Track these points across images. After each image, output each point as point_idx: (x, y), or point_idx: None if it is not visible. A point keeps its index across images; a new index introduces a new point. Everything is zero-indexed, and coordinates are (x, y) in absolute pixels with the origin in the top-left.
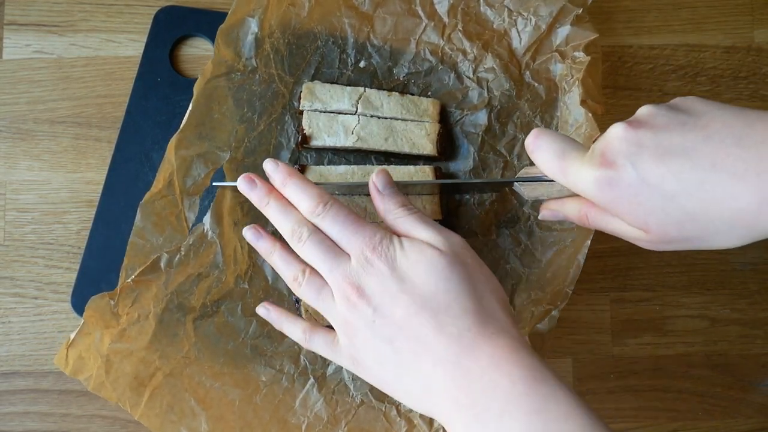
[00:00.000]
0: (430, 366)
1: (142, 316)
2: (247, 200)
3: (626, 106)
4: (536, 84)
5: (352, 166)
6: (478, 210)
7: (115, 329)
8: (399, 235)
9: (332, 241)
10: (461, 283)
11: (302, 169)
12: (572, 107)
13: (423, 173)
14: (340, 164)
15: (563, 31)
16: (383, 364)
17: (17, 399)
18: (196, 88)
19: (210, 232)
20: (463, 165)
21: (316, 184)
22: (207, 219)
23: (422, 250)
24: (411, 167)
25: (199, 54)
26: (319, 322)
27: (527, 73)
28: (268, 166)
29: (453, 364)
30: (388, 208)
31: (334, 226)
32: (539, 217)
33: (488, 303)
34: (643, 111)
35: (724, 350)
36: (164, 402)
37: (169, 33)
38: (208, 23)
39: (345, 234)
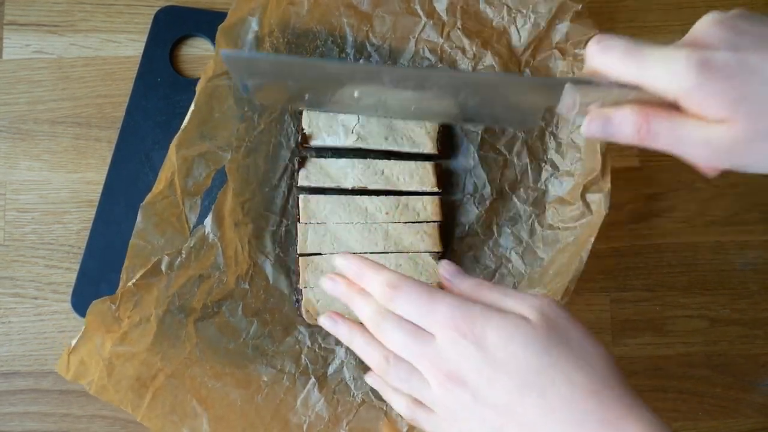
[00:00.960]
0: None
1: (144, 319)
2: (247, 201)
3: None
4: None
5: (352, 160)
6: (479, 208)
7: (116, 333)
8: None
9: (414, 324)
10: (561, 354)
11: (303, 161)
12: None
13: (423, 169)
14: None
15: (563, 27)
16: None
17: (17, 399)
18: (198, 88)
19: (211, 234)
20: (463, 163)
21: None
22: (208, 221)
23: (508, 322)
24: (412, 163)
25: (199, 54)
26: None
27: (527, 70)
28: (340, 260)
29: None
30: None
31: (409, 306)
32: (583, 130)
33: (600, 374)
34: (736, 10)
35: (724, 350)
36: (166, 403)
37: (169, 33)
38: (208, 23)
39: (422, 313)
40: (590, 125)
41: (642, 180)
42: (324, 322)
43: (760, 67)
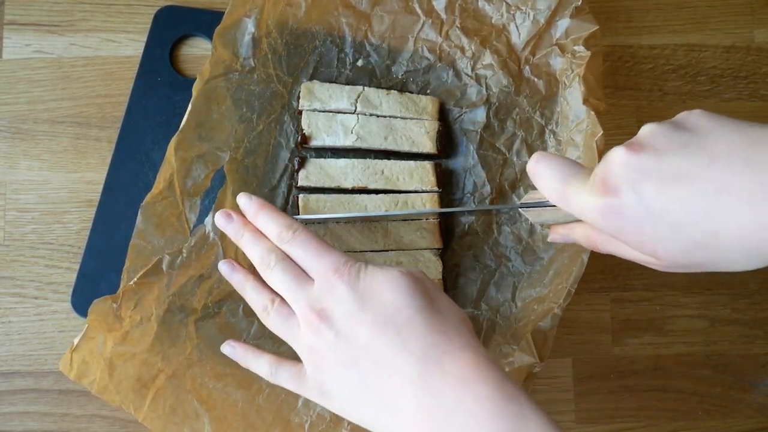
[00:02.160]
0: (397, 387)
1: (144, 319)
2: None
3: (626, 106)
4: (536, 79)
5: (352, 160)
6: (478, 207)
7: (118, 332)
8: None
9: (300, 269)
10: (424, 299)
11: (302, 161)
12: (572, 103)
13: (423, 168)
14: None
15: (563, 24)
16: (350, 391)
17: (17, 399)
18: (195, 89)
19: (212, 234)
20: (462, 162)
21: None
22: (209, 220)
23: (385, 271)
24: (411, 162)
25: (199, 54)
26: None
27: (527, 68)
28: (242, 199)
29: (420, 384)
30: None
31: (300, 250)
32: (548, 240)
33: (451, 319)
34: (645, 131)
35: (724, 350)
36: (167, 404)
37: (169, 33)
38: (208, 23)
39: (310, 258)
40: (553, 238)
41: None
42: (222, 267)
43: (663, 211)
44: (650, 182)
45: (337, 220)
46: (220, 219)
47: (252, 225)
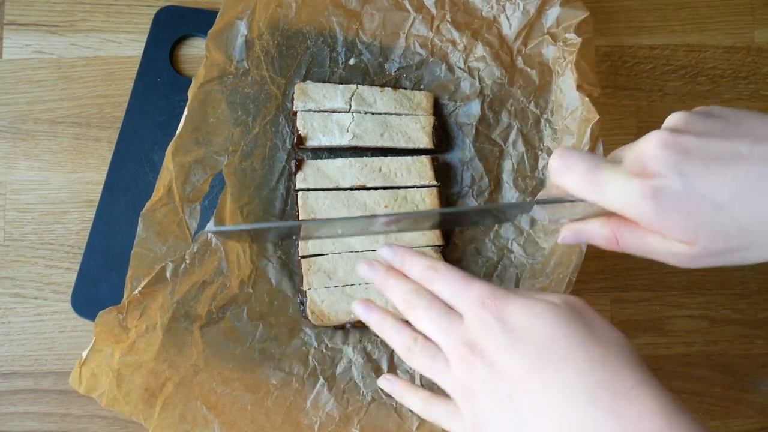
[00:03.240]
0: (555, 427)
1: (150, 327)
2: (246, 205)
3: (626, 106)
4: (529, 69)
5: (349, 159)
6: (478, 200)
7: (124, 343)
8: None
9: (446, 305)
10: (580, 329)
11: (299, 164)
12: (566, 90)
13: (420, 163)
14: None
15: (553, 12)
16: (505, 427)
17: (17, 399)
18: (190, 93)
19: (214, 239)
20: (459, 156)
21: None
22: (210, 225)
23: (536, 302)
24: (408, 158)
25: (199, 54)
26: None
27: (519, 58)
28: (385, 251)
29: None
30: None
31: (445, 285)
32: (559, 241)
33: (615, 349)
34: (677, 118)
35: (724, 350)
36: (176, 412)
37: (169, 33)
38: (208, 23)
39: (456, 291)
40: (565, 238)
41: None
42: (358, 308)
43: (709, 192)
44: (695, 163)
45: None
46: (364, 269)
47: (395, 271)
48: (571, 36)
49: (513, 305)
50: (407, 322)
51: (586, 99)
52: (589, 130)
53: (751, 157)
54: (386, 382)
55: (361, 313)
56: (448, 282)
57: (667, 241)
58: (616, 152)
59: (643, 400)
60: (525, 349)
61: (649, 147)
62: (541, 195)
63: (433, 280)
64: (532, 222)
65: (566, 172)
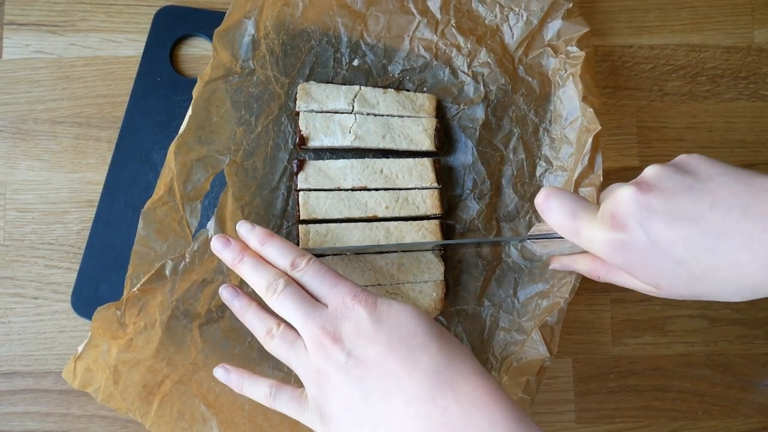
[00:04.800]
0: (402, 405)
1: (149, 325)
2: (246, 204)
3: (626, 105)
4: (530, 78)
5: (350, 160)
6: (479, 203)
7: (122, 339)
8: None
9: (310, 295)
10: (437, 329)
11: (301, 164)
12: (566, 101)
13: (422, 165)
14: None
15: (554, 25)
16: (351, 410)
17: (17, 399)
18: (195, 92)
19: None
20: (462, 159)
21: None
22: (211, 224)
23: (401, 303)
24: (410, 160)
25: (199, 54)
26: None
27: (521, 67)
28: (243, 228)
29: (428, 403)
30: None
31: (315, 279)
32: (550, 267)
33: (460, 349)
34: (651, 172)
35: (724, 350)
36: (174, 409)
37: (169, 33)
38: (208, 23)
39: (326, 285)
40: (555, 266)
41: None
42: (223, 293)
43: (670, 248)
44: (658, 220)
45: (345, 251)
46: (216, 243)
47: (252, 251)
48: (574, 49)
49: (380, 300)
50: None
51: (590, 110)
52: (590, 140)
53: (706, 220)
54: (223, 372)
55: (225, 297)
56: (319, 276)
57: (638, 281)
58: (605, 190)
59: (480, 381)
60: (385, 336)
61: (620, 201)
62: (534, 229)
63: (305, 271)
64: (529, 226)
65: (549, 213)
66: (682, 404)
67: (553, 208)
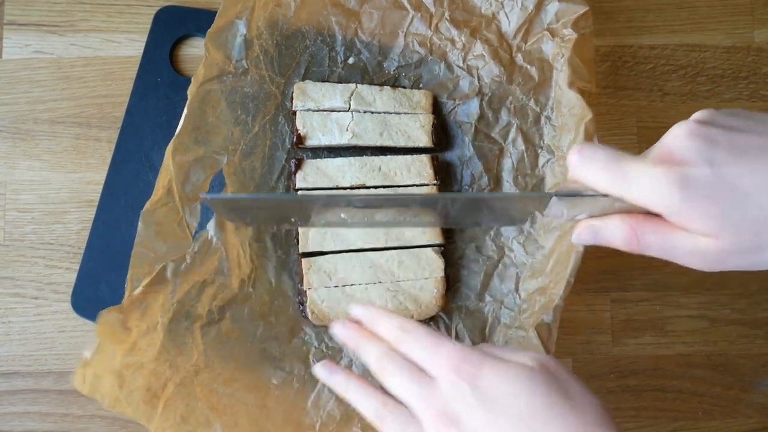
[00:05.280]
0: None
1: (151, 328)
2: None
3: (626, 105)
4: (528, 66)
5: (348, 158)
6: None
7: (126, 343)
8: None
9: (418, 369)
10: (558, 395)
11: (299, 163)
12: (564, 87)
13: (420, 162)
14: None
15: (552, 8)
16: None
17: (17, 399)
18: (190, 93)
19: (214, 238)
20: (459, 154)
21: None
22: (211, 225)
23: (510, 367)
24: (408, 157)
25: (199, 54)
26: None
27: (519, 55)
28: (357, 309)
29: None
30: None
31: (417, 347)
32: (573, 239)
33: (590, 412)
34: (703, 112)
35: (724, 350)
36: (178, 412)
37: (169, 33)
38: (208, 23)
39: (428, 354)
40: (580, 236)
41: None
42: (319, 370)
43: (737, 181)
44: (723, 153)
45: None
46: (337, 328)
47: (366, 330)
48: (568, 31)
49: (487, 370)
50: (373, 383)
51: (579, 96)
52: (582, 128)
53: None
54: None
55: (322, 376)
56: (420, 342)
57: (692, 236)
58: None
59: None
60: (502, 421)
61: (677, 136)
62: (561, 188)
63: (404, 341)
64: (532, 220)
65: (587, 164)
66: (682, 404)
67: (592, 157)
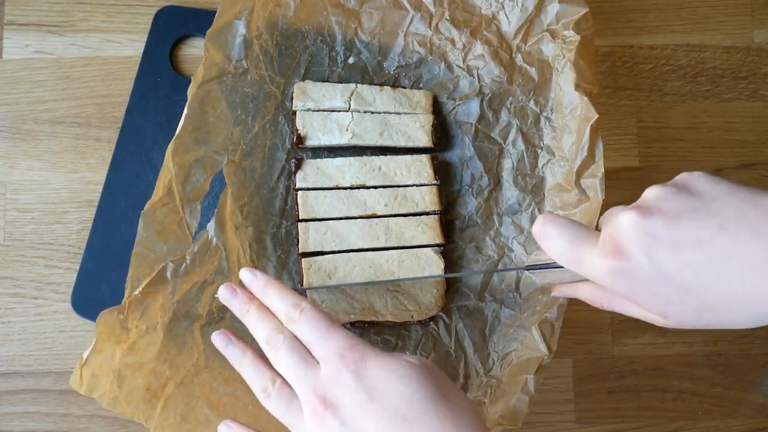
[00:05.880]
0: None
1: (151, 328)
2: (245, 204)
3: (626, 106)
4: (528, 67)
5: (348, 158)
6: (477, 199)
7: (125, 343)
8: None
9: (307, 350)
10: (436, 391)
11: (299, 163)
12: (566, 89)
13: (420, 162)
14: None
15: (552, 8)
16: None
17: (17, 399)
18: (190, 93)
19: (215, 239)
20: (459, 155)
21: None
22: (211, 225)
23: (393, 359)
24: (408, 157)
25: (199, 54)
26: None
27: (519, 56)
28: (246, 275)
29: None
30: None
31: (307, 330)
32: (551, 295)
33: (464, 414)
34: (651, 194)
35: (724, 350)
36: (177, 412)
37: (169, 33)
38: (208, 23)
39: (317, 338)
40: (557, 295)
41: (642, 179)
42: (215, 339)
43: (676, 276)
44: (662, 246)
45: (345, 286)
46: (224, 292)
47: (258, 301)
48: (570, 33)
49: (371, 360)
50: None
51: (585, 98)
52: (588, 129)
53: (713, 244)
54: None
55: (218, 344)
56: (311, 327)
57: (644, 310)
58: (605, 214)
59: None
60: (380, 408)
61: (622, 227)
62: (533, 259)
63: (295, 321)
64: (532, 219)
65: (547, 241)
66: (682, 404)
67: (551, 236)
